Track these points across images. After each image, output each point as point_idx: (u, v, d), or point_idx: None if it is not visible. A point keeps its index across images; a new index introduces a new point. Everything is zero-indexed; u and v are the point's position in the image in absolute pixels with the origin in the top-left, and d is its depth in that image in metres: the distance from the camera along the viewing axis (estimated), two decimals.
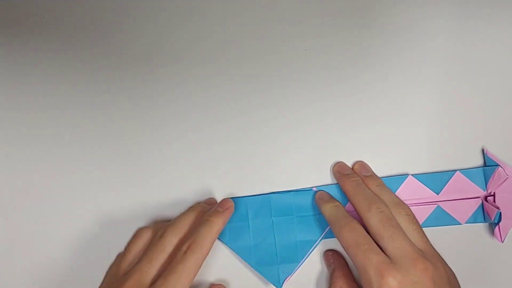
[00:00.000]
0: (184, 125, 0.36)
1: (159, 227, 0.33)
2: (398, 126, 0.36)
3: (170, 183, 0.35)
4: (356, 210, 0.32)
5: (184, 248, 0.30)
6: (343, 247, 0.30)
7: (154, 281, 0.30)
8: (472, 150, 0.36)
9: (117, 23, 0.36)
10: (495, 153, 0.35)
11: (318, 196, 0.35)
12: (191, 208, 0.34)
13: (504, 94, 0.36)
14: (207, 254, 0.31)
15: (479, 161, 0.36)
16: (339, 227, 0.31)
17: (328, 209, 0.33)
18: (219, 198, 0.35)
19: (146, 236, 0.33)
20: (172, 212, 0.35)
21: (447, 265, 0.30)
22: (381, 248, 0.29)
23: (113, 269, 0.32)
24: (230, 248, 0.34)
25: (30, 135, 0.35)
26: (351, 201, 0.33)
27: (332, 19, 0.36)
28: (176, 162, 0.35)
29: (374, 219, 0.30)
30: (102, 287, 0.32)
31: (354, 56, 0.36)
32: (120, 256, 0.33)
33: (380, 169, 0.35)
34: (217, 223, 0.32)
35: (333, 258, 0.34)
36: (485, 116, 0.36)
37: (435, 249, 0.30)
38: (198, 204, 0.34)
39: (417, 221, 0.31)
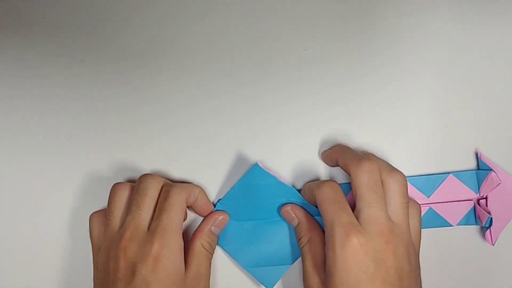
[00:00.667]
0: (186, 131, 0.36)
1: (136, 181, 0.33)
2: (394, 128, 0.36)
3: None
4: (345, 170, 0.32)
5: (164, 191, 0.32)
6: (317, 202, 0.31)
7: (150, 224, 0.31)
8: (466, 153, 0.36)
9: (117, 23, 0.36)
10: (490, 156, 0.35)
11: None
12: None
13: (500, 98, 0.36)
14: (187, 198, 0.32)
15: (473, 164, 0.36)
16: (320, 183, 0.32)
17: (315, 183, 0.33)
18: (217, 194, 0.36)
19: (124, 189, 0.33)
20: None
21: (413, 246, 0.31)
22: (356, 209, 0.30)
23: (107, 230, 0.32)
24: (222, 248, 0.35)
25: (30, 135, 0.36)
26: (340, 164, 0.33)
27: (332, 20, 0.36)
28: (177, 166, 0.36)
29: (361, 178, 0.30)
30: (102, 251, 0.32)
31: (353, 57, 0.36)
32: (107, 217, 0.33)
33: None
34: (198, 188, 0.34)
35: (293, 211, 0.34)
36: (480, 119, 0.36)
37: (409, 230, 0.31)
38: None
39: (407, 195, 0.31)
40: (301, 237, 0.33)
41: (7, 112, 0.36)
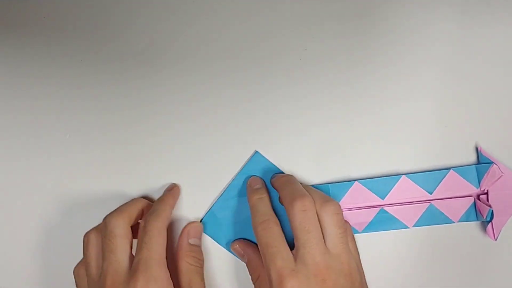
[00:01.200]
0: (187, 128, 0.36)
1: (100, 223, 0.33)
2: (395, 125, 0.36)
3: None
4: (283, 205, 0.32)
5: (142, 224, 0.31)
6: (258, 246, 0.31)
7: (129, 265, 0.30)
8: (467, 148, 0.36)
9: (117, 23, 0.37)
10: (490, 151, 0.36)
11: (249, 182, 0.35)
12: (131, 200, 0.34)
13: (500, 94, 0.36)
14: (167, 221, 0.31)
15: (473, 159, 0.36)
16: (256, 223, 0.31)
17: (252, 200, 0.33)
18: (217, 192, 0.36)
19: (95, 236, 0.32)
20: None
21: (356, 268, 0.31)
22: (295, 248, 0.30)
23: (89, 282, 0.31)
24: (214, 240, 0.35)
25: (30, 135, 0.36)
26: (280, 197, 0.33)
27: (332, 20, 0.36)
28: (178, 168, 0.36)
29: (295, 218, 0.30)
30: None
31: (353, 57, 0.36)
32: (86, 268, 0.32)
33: (375, 167, 0.36)
34: (168, 203, 0.33)
35: (242, 248, 0.34)
36: (480, 115, 0.36)
37: (351, 257, 0.31)
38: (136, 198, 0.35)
39: (344, 223, 0.31)
40: (251, 274, 0.33)
41: (7, 112, 0.36)
